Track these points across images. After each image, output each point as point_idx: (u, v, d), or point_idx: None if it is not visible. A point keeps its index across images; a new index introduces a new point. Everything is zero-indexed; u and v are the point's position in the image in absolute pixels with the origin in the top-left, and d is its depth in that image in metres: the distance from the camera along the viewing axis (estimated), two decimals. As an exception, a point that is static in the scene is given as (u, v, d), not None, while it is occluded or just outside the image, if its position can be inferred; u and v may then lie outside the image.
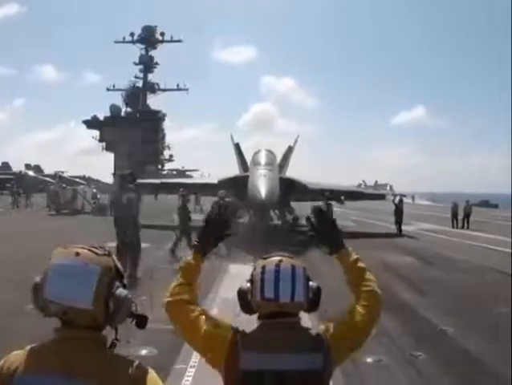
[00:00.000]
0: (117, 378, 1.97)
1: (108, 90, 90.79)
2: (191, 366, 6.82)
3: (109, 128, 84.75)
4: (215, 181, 26.59)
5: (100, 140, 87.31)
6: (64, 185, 36.84)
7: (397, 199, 28.79)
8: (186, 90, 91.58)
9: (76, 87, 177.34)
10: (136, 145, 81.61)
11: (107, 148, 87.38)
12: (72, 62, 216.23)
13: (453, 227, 31.65)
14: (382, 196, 31.23)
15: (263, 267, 2.51)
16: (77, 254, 2.06)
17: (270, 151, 26.86)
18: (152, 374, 2.06)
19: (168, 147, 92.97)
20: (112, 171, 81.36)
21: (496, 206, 70.17)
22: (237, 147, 34.69)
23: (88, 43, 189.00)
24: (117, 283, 2.10)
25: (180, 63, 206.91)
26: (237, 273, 13.40)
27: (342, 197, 28.34)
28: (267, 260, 2.55)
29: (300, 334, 2.47)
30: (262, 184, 20.63)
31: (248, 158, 30.11)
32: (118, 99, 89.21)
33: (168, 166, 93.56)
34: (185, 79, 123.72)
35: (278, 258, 2.53)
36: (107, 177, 76.56)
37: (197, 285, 2.69)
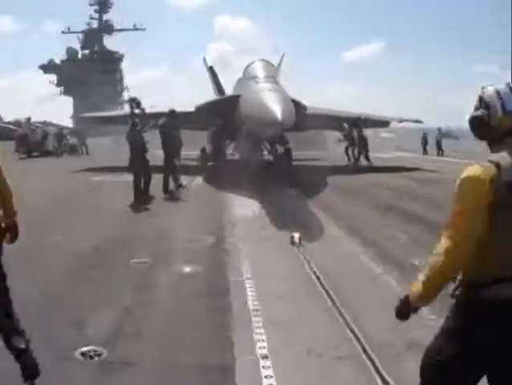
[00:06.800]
0: None
1: (64, 32, 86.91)
2: (247, 278, 6.68)
3: (66, 72, 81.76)
4: (192, 109, 21.78)
5: (58, 84, 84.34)
6: (34, 127, 34.97)
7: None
8: (143, 29, 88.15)
9: (35, 34, 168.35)
10: (94, 87, 78.95)
11: (66, 92, 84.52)
12: (30, 10, 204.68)
13: (423, 154, 32.55)
14: (386, 124, 28.94)
15: (497, 92, 2.62)
16: None
17: (268, 62, 20.48)
18: None
19: (127, 89, 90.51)
20: (72, 114, 78.96)
21: (456, 138, 72.68)
22: (211, 69, 30.72)
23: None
24: None
25: (136, 4, 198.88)
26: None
27: (344, 124, 24.32)
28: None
29: None
30: (273, 101, 14.80)
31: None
32: (76, 43, 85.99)
33: (127, 107, 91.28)
34: (141, 20, 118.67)
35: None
36: (66, 121, 74.40)
37: None
